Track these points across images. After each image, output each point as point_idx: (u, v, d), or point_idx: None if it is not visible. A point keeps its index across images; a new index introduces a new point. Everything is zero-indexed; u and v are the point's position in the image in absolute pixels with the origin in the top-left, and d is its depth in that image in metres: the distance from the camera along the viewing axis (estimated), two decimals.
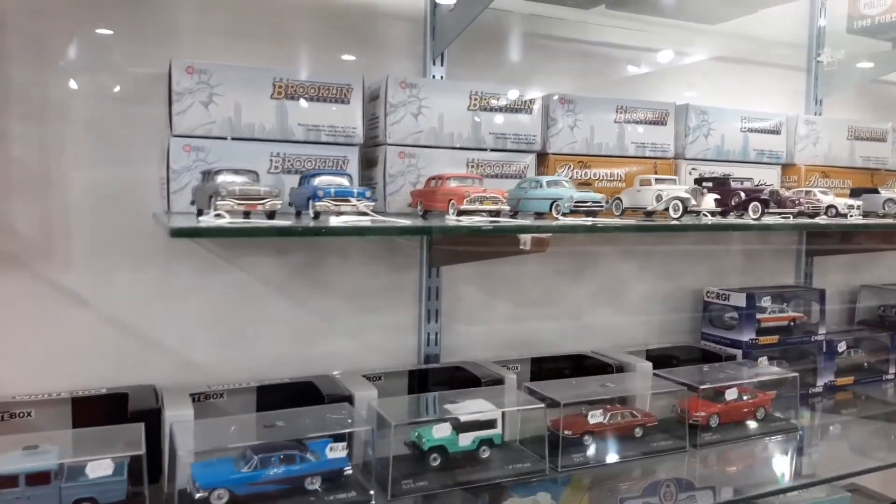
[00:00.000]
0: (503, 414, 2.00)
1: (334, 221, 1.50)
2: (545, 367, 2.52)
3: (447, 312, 2.48)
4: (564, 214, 1.88)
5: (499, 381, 2.21)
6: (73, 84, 1.96)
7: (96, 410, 1.95)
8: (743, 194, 2.13)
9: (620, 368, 2.44)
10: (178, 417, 1.79)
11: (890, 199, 2.58)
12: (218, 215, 1.39)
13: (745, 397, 2.36)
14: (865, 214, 2.65)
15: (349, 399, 1.99)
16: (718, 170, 2.61)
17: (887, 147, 2.99)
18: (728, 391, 2.28)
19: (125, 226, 2.04)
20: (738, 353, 2.69)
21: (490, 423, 1.97)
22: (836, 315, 3.32)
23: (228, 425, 1.84)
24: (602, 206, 1.93)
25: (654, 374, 2.39)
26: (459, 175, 1.93)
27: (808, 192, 2.49)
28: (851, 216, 2.41)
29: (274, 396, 2.09)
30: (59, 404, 1.94)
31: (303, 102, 1.98)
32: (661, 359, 2.72)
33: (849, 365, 3.00)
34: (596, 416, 2.06)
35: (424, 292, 2.43)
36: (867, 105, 3.30)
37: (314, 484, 1.73)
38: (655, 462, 2.12)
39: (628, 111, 2.45)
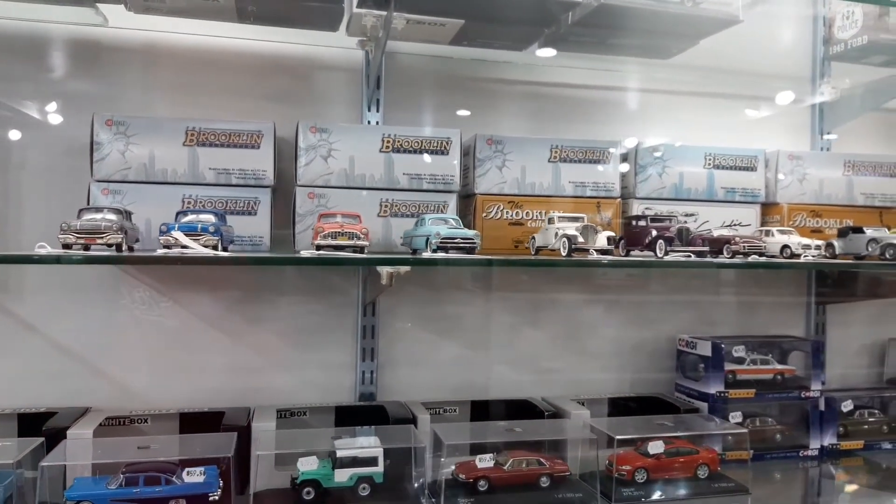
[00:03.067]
0: (413, 451, 1.98)
1: (158, 252, 1.62)
2: (484, 411, 2.46)
3: (386, 352, 2.51)
4: (434, 251, 1.88)
5: (411, 421, 2.19)
6: (28, 138, 2.26)
7: (37, 426, 2.15)
8: (654, 232, 2.01)
9: (555, 415, 2.34)
10: (78, 436, 1.97)
11: (874, 240, 2.31)
12: (41, 246, 1.55)
13: (682, 453, 2.17)
14: (858, 257, 2.39)
15: (243, 429, 2.06)
16: (679, 209, 2.47)
17: None
18: (651, 444, 2.10)
19: None
20: (705, 406, 2.48)
21: (370, 461, 1.96)
22: (859, 373, 2.95)
23: (114, 445, 1.97)
24: (475, 244, 1.91)
25: (591, 425, 2.26)
26: (340, 213, 1.99)
27: (766, 232, 2.30)
28: (806, 256, 2.18)
29: (194, 423, 2.22)
30: (8, 419, 2.19)
31: (213, 148, 2.15)
32: (623, 409, 2.58)
33: (863, 428, 2.65)
34: (485, 461, 1.99)
35: (360, 331, 2.47)
36: (887, 137, 2.98)
37: None
38: None
39: (564, 150, 2.40)
